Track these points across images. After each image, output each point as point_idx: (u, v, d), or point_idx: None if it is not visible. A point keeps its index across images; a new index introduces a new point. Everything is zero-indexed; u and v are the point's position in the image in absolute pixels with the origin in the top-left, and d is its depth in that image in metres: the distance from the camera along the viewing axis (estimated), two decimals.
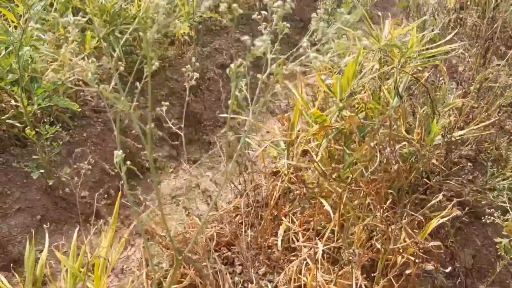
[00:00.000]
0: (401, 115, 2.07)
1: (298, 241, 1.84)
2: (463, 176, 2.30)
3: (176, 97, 3.24)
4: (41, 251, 2.40)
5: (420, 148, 1.76)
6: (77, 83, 3.17)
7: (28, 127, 2.29)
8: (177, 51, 3.63)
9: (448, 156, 2.00)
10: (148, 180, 2.88)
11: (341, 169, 1.69)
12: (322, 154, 1.86)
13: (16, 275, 1.92)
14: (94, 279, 1.59)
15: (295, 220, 1.92)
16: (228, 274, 1.99)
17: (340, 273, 1.61)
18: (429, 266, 1.32)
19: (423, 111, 1.96)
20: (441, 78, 2.41)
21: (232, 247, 2.11)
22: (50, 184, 2.47)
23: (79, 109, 2.46)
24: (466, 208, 2.09)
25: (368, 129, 1.93)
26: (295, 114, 1.72)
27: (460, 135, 2.00)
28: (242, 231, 2.12)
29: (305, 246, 1.68)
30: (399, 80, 1.94)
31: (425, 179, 1.94)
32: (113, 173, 2.75)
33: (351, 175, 1.64)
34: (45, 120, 2.62)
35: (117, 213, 1.83)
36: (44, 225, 2.06)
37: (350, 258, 1.60)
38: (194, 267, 1.88)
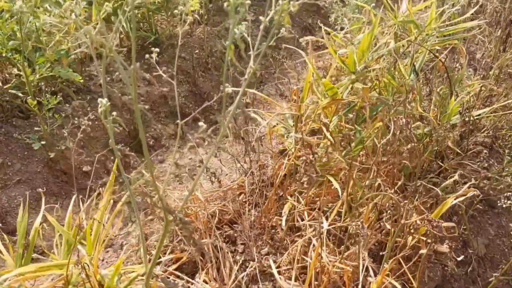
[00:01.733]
0: (417, 93, 1.97)
1: (303, 220, 1.76)
2: (479, 162, 2.20)
3: (183, 75, 3.16)
4: (41, 223, 2.37)
5: (437, 127, 1.67)
6: (83, 58, 3.12)
7: (30, 97, 2.23)
8: (187, 30, 3.55)
9: (464, 140, 1.90)
10: (152, 158, 2.83)
11: (351, 147, 1.60)
12: (331, 131, 1.78)
13: (5, 236, 1.86)
14: (87, 244, 1.53)
15: (301, 199, 1.84)
16: (229, 252, 1.93)
17: (346, 254, 1.53)
18: (442, 248, 1.24)
19: (440, 89, 1.86)
20: (458, 61, 2.31)
21: (234, 225, 2.04)
22: (51, 156, 2.42)
23: (82, 80, 2.38)
24: (480, 196, 2.00)
25: (382, 106, 1.84)
26: (305, 86, 1.63)
27: (478, 115, 1.90)
28: (245, 210, 2.05)
29: (310, 226, 1.60)
30: (415, 57, 1.85)
31: (439, 162, 1.85)
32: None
33: (361, 152, 1.55)
34: (48, 91, 2.57)
35: (113, 180, 1.78)
36: (40, 189, 2.01)
37: (358, 232, 1.51)
38: (193, 242, 1.82)
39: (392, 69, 1.77)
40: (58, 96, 2.29)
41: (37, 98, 2.29)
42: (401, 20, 1.99)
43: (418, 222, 1.23)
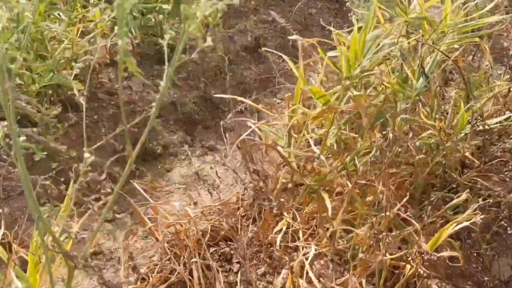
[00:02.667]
0: (430, 99, 1.78)
1: (298, 239, 1.61)
2: (506, 173, 1.97)
3: (194, 80, 3.07)
4: None
5: (444, 138, 1.47)
6: (95, 65, 3.09)
7: (30, 106, 2.20)
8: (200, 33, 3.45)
9: (485, 149, 1.69)
10: (159, 166, 2.75)
11: (346, 159, 1.44)
12: (331, 142, 1.62)
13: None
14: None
15: (297, 216, 1.69)
16: (220, 272, 1.80)
17: (340, 281, 1.37)
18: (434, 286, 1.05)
19: (455, 94, 1.65)
20: (483, 59, 2.08)
21: (230, 242, 1.92)
22: (53, 167, 2.38)
23: (83, 88, 2.33)
24: (506, 211, 1.78)
25: (388, 115, 1.66)
26: (296, 93, 1.49)
27: (497, 123, 1.67)
28: (240, 225, 1.92)
29: (297, 249, 1.46)
30: (427, 57, 1.66)
31: (454, 175, 1.64)
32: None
33: (357, 167, 1.39)
34: (48, 99, 2.55)
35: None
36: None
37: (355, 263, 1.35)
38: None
39: (398, 72, 1.59)
40: (56, 107, 2.24)
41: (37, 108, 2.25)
42: (413, 17, 1.80)
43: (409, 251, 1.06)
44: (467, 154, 1.64)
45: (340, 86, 1.37)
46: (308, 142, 1.64)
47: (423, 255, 1.02)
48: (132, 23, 2.93)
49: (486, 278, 1.67)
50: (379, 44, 1.56)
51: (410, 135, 1.47)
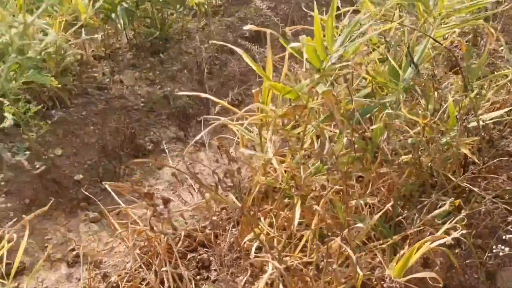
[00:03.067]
0: (428, 90, 1.59)
1: (273, 249, 1.47)
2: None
3: (189, 72, 2.94)
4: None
5: (428, 136, 1.29)
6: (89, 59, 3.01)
7: (7, 105, 2.12)
8: (199, 23, 3.32)
9: (482, 146, 1.48)
10: (150, 164, 2.65)
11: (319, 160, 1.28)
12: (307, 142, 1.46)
13: None
14: None
15: (274, 222, 1.55)
16: (197, 280, 1.69)
17: None
18: None
19: (447, 85, 1.46)
20: (491, 44, 1.86)
21: (209, 248, 1.79)
22: (37, 166, 2.31)
23: (60, 85, 2.23)
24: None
25: (376, 110, 1.49)
26: (264, 89, 1.33)
27: (492, 118, 1.47)
28: (220, 230, 1.79)
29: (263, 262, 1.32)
30: (415, 44, 1.47)
31: (451, 177, 1.46)
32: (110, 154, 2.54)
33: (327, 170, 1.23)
34: (36, 96, 2.48)
35: None
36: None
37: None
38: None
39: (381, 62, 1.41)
40: (31, 104, 2.15)
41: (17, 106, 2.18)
42: None
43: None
44: (465, 151, 1.45)
45: (307, 81, 1.21)
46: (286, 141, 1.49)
47: (382, 283, 0.86)
48: (125, 14, 2.81)
49: None
50: (361, 31, 1.38)
51: (391, 133, 1.29)
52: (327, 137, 1.04)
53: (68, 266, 2.08)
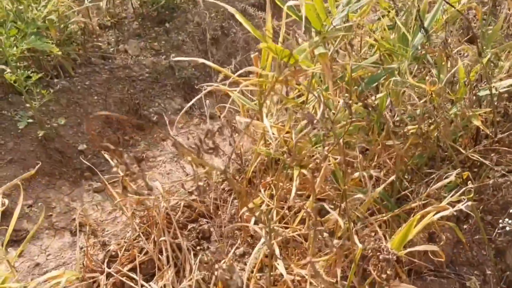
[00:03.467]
0: (441, 56, 1.50)
1: (272, 220, 1.43)
2: None
3: (194, 42, 2.87)
4: (30, 205, 2.28)
5: (436, 104, 1.21)
6: (94, 28, 2.95)
7: (9, 72, 2.09)
8: None
9: (494, 117, 1.40)
10: (155, 135, 2.61)
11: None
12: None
13: None
14: None
15: (274, 193, 1.50)
16: (196, 250, 1.66)
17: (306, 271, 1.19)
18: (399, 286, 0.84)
19: (457, 52, 1.37)
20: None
21: (210, 220, 1.76)
22: (40, 134, 2.29)
23: (59, 53, 2.19)
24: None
25: (382, 77, 1.42)
26: (263, 53, 1.27)
27: (508, 87, 1.37)
28: (221, 201, 1.76)
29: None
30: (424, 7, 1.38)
31: (461, 150, 1.38)
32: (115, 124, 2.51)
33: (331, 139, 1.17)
34: (37, 64, 2.44)
35: None
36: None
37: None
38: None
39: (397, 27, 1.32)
40: (29, 71, 2.11)
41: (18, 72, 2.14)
42: None
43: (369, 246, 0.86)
44: (477, 123, 1.38)
45: (306, 44, 1.14)
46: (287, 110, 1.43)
47: (378, 254, 0.81)
48: None
49: (493, 268, 1.44)
50: None
51: (393, 100, 1.22)
52: (322, 101, 0.97)
53: (71, 235, 2.08)
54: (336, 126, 0.96)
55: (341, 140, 0.98)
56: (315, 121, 0.86)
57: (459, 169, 1.15)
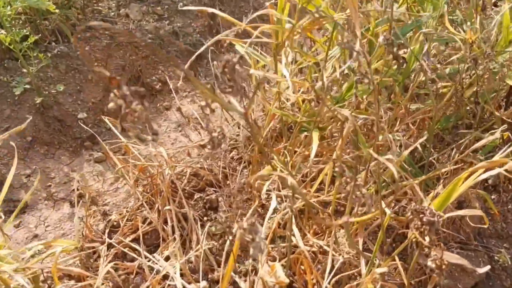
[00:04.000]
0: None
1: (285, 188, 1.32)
2: None
3: (201, 5, 2.72)
4: (28, 175, 2.18)
5: (478, 56, 1.08)
6: None
7: (3, 32, 1.96)
8: None
9: None
10: (158, 104, 2.49)
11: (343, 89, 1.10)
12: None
13: None
14: None
15: (289, 160, 1.39)
16: (203, 221, 1.56)
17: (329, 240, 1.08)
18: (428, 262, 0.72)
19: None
20: None
21: (218, 189, 1.65)
22: (37, 101, 2.17)
23: (57, 11, 2.05)
24: None
25: (413, 28, 1.28)
26: (280, 1, 1.13)
27: None
28: (229, 170, 1.65)
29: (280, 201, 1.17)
30: None
31: (492, 109, 1.26)
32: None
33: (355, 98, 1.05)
34: (35, 28, 2.30)
35: None
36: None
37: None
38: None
39: None
40: (25, 31, 1.98)
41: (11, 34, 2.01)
42: None
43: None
44: (511, 83, 1.25)
45: None
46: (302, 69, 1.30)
47: (421, 216, 0.71)
48: None
49: None
50: None
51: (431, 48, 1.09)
52: (359, 37, 0.85)
53: (71, 206, 1.98)
54: (371, 69, 0.83)
55: (376, 83, 0.85)
56: (355, 54, 0.73)
57: (504, 126, 1.03)
